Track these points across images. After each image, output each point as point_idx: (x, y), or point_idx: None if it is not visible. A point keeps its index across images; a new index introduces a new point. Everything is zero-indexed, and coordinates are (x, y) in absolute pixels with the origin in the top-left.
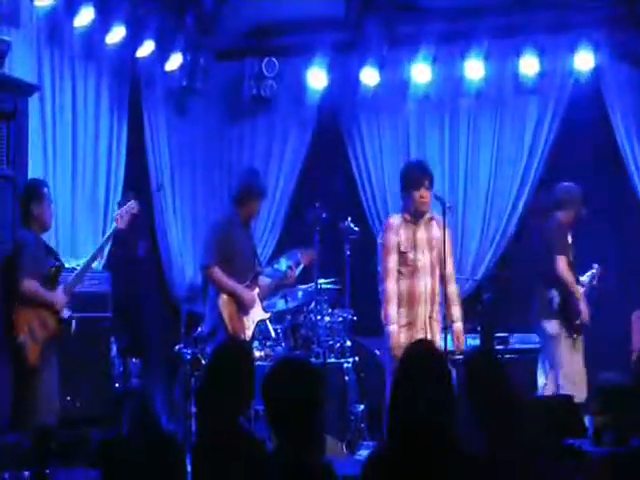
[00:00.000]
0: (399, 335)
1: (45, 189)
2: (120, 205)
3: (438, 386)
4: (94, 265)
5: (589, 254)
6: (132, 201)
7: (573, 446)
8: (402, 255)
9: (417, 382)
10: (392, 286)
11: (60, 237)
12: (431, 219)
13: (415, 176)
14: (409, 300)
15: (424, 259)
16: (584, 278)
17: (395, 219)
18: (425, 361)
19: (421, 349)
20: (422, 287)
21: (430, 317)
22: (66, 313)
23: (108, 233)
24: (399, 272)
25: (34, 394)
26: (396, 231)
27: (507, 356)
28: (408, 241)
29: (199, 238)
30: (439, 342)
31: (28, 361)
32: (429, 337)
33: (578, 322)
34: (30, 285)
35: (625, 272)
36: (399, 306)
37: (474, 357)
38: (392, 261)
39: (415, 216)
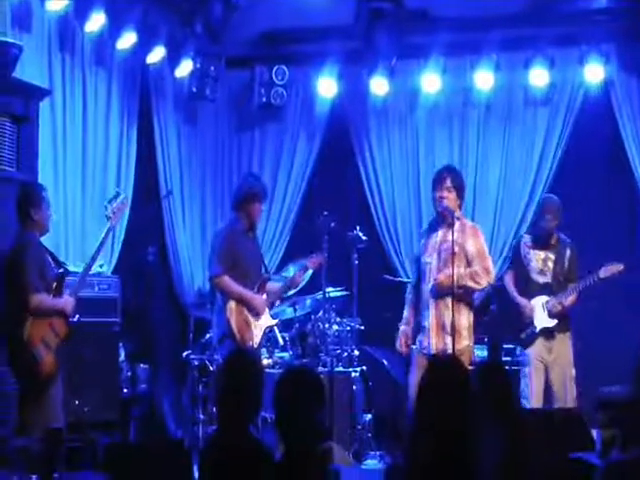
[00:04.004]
0: (405, 336)
1: (44, 193)
2: (110, 202)
3: (460, 403)
4: (98, 265)
5: (596, 265)
6: (122, 195)
7: (580, 459)
8: (420, 259)
9: (439, 399)
10: (409, 293)
11: (70, 242)
12: (452, 224)
13: (435, 177)
14: (418, 303)
15: (432, 263)
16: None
17: (424, 226)
18: (445, 378)
19: (441, 365)
20: (427, 292)
21: (438, 324)
22: (75, 318)
23: (104, 232)
24: (417, 276)
25: (42, 400)
26: (422, 238)
27: (514, 368)
28: (423, 246)
29: (208, 244)
30: (444, 347)
31: (43, 372)
32: (434, 342)
33: (523, 335)
34: (38, 299)
35: (632, 282)
36: (418, 310)
37: (483, 370)
38: (413, 271)
39: (437, 219)
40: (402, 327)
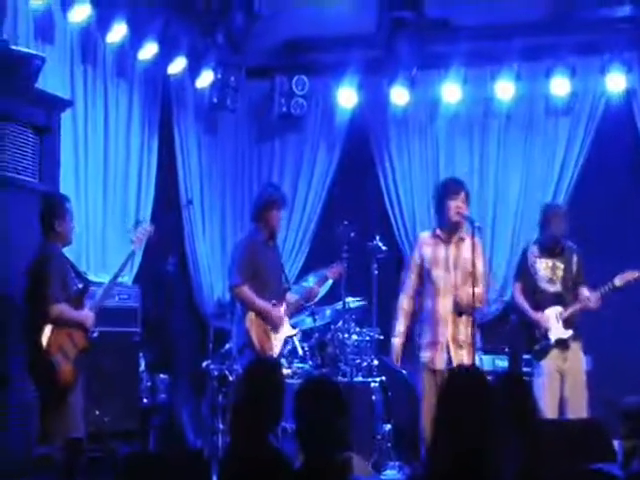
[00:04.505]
0: (400, 349)
1: (68, 204)
2: (135, 227)
3: (481, 413)
4: (120, 279)
5: (617, 274)
6: (148, 223)
7: (602, 471)
8: (427, 272)
9: (460, 408)
10: (404, 302)
11: (91, 252)
12: (462, 239)
13: (452, 186)
14: (431, 319)
15: (448, 278)
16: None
17: (425, 235)
18: (467, 388)
19: (462, 375)
20: (442, 307)
21: (454, 339)
22: (95, 331)
23: (126, 256)
24: (425, 290)
25: (63, 409)
26: (421, 247)
27: (533, 379)
28: (434, 259)
29: (228, 255)
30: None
31: (61, 381)
32: (454, 357)
33: (537, 347)
34: (59, 310)
35: None
36: (424, 325)
37: (504, 380)
38: (411, 278)
39: (449, 232)
40: (397, 340)
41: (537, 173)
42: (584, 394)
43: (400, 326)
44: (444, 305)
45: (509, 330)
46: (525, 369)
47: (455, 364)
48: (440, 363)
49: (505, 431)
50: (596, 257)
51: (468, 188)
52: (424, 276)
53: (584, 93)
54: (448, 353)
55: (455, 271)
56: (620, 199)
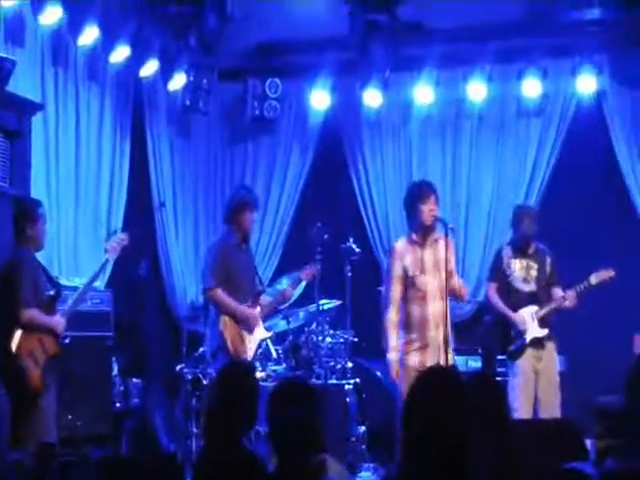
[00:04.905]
0: (398, 364)
1: (40, 209)
2: (110, 236)
3: (455, 413)
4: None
5: (589, 274)
6: (123, 233)
7: (575, 470)
8: (410, 279)
9: (431, 410)
10: (393, 315)
11: (62, 256)
12: (437, 240)
13: (423, 189)
14: (421, 324)
15: (433, 282)
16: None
17: (400, 244)
18: (439, 389)
19: (434, 376)
20: (432, 311)
21: (445, 341)
22: (66, 337)
23: (100, 264)
24: (408, 297)
25: (35, 414)
26: (401, 256)
27: (507, 379)
28: (416, 265)
29: (201, 258)
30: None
31: (30, 385)
32: (442, 361)
33: (512, 347)
34: (30, 315)
35: (626, 293)
36: (411, 331)
37: (473, 381)
38: (395, 290)
39: (423, 235)
40: (394, 355)
41: (509, 174)
42: (557, 394)
43: (393, 340)
44: (434, 309)
45: (483, 331)
46: (499, 370)
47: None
48: (430, 364)
49: (477, 432)
50: (567, 258)
51: (437, 189)
52: (407, 284)
53: (555, 95)
54: (440, 356)
55: (439, 273)
56: (591, 200)
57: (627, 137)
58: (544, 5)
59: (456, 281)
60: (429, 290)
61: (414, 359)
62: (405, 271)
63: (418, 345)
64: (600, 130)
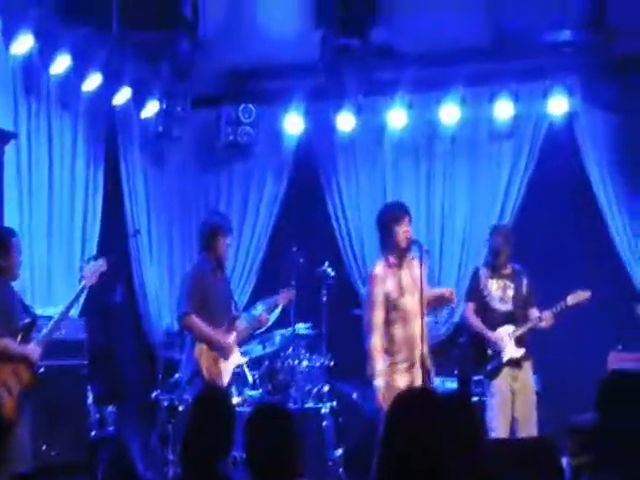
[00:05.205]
0: (385, 389)
1: (13, 239)
2: (87, 262)
3: (433, 435)
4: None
5: (562, 293)
6: (100, 259)
7: None
8: (392, 303)
9: (412, 430)
10: (377, 340)
11: (36, 286)
12: (412, 258)
13: (397, 211)
14: (407, 344)
15: (412, 302)
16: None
17: (379, 269)
18: (420, 409)
19: (416, 396)
20: (415, 329)
21: (424, 359)
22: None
23: (77, 291)
24: (390, 319)
25: (8, 444)
26: (382, 282)
27: (485, 399)
28: (396, 288)
29: (176, 285)
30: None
31: (5, 416)
32: (423, 377)
33: (489, 367)
34: (3, 344)
35: (598, 311)
36: (396, 352)
37: (448, 402)
38: (378, 316)
39: (400, 256)
40: (380, 380)
41: (482, 195)
42: (534, 413)
43: (380, 365)
44: (415, 328)
45: (458, 352)
46: (476, 390)
47: (432, 379)
48: (418, 383)
49: (452, 452)
50: (540, 277)
51: (410, 210)
52: (389, 308)
53: (527, 117)
54: (424, 371)
55: (416, 292)
56: (563, 220)
57: (599, 158)
58: (515, 28)
59: (436, 290)
60: (409, 310)
61: (402, 380)
62: (387, 296)
63: (406, 365)
64: (572, 151)
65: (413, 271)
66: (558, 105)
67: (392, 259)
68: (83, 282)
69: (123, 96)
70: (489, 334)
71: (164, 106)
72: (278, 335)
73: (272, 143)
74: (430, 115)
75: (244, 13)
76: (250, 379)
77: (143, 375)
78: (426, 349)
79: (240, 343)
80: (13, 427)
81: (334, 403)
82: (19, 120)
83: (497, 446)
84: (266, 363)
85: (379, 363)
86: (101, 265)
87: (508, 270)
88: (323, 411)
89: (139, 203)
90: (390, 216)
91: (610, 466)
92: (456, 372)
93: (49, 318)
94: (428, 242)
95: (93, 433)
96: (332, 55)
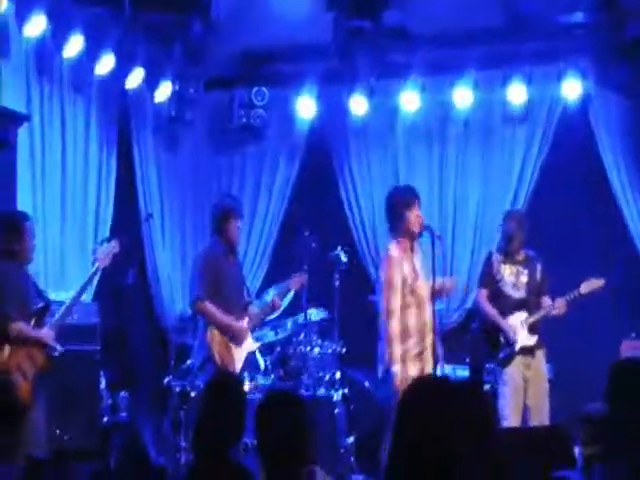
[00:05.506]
0: (402, 374)
1: (27, 223)
2: (100, 245)
3: (446, 423)
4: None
5: (575, 280)
6: (113, 241)
7: (562, 478)
8: (409, 287)
9: (424, 419)
10: (396, 326)
11: (49, 269)
12: (433, 243)
13: (407, 196)
14: (420, 331)
15: (425, 287)
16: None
17: (394, 252)
18: (432, 397)
19: (428, 384)
20: (427, 315)
21: (433, 344)
22: (58, 349)
23: (90, 273)
24: (407, 304)
25: (23, 428)
26: (399, 264)
27: (497, 387)
28: (411, 272)
29: (188, 269)
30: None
31: (20, 399)
32: (431, 365)
33: (501, 355)
34: (17, 328)
35: (611, 299)
36: (410, 337)
37: (460, 389)
38: (397, 300)
39: (411, 241)
40: (398, 367)
41: (495, 180)
42: (547, 402)
43: (398, 351)
44: (426, 314)
45: (470, 339)
46: (488, 378)
47: (442, 366)
48: (429, 369)
49: (464, 441)
50: (553, 263)
51: (419, 194)
52: (405, 292)
53: (541, 100)
54: (435, 357)
55: (426, 278)
56: (577, 205)
57: (612, 141)
58: (528, 10)
59: (439, 279)
60: (424, 295)
61: (414, 368)
62: (404, 280)
63: (416, 352)
64: (586, 135)
65: (420, 256)
66: (572, 88)
67: (405, 242)
68: (96, 264)
69: (136, 78)
70: (502, 322)
71: (177, 88)
72: (290, 321)
73: (285, 126)
74: (443, 98)
75: None
76: (262, 365)
77: (155, 360)
78: (433, 336)
79: (252, 329)
80: (28, 411)
81: (346, 390)
82: (32, 103)
83: (509, 435)
84: (278, 349)
85: (397, 349)
86: (114, 247)
87: (521, 256)
88: (335, 398)
89: (152, 186)
90: (401, 201)
91: (618, 456)
92: (468, 360)
93: (61, 303)
94: (440, 228)
95: (105, 419)
96: (344, 37)
